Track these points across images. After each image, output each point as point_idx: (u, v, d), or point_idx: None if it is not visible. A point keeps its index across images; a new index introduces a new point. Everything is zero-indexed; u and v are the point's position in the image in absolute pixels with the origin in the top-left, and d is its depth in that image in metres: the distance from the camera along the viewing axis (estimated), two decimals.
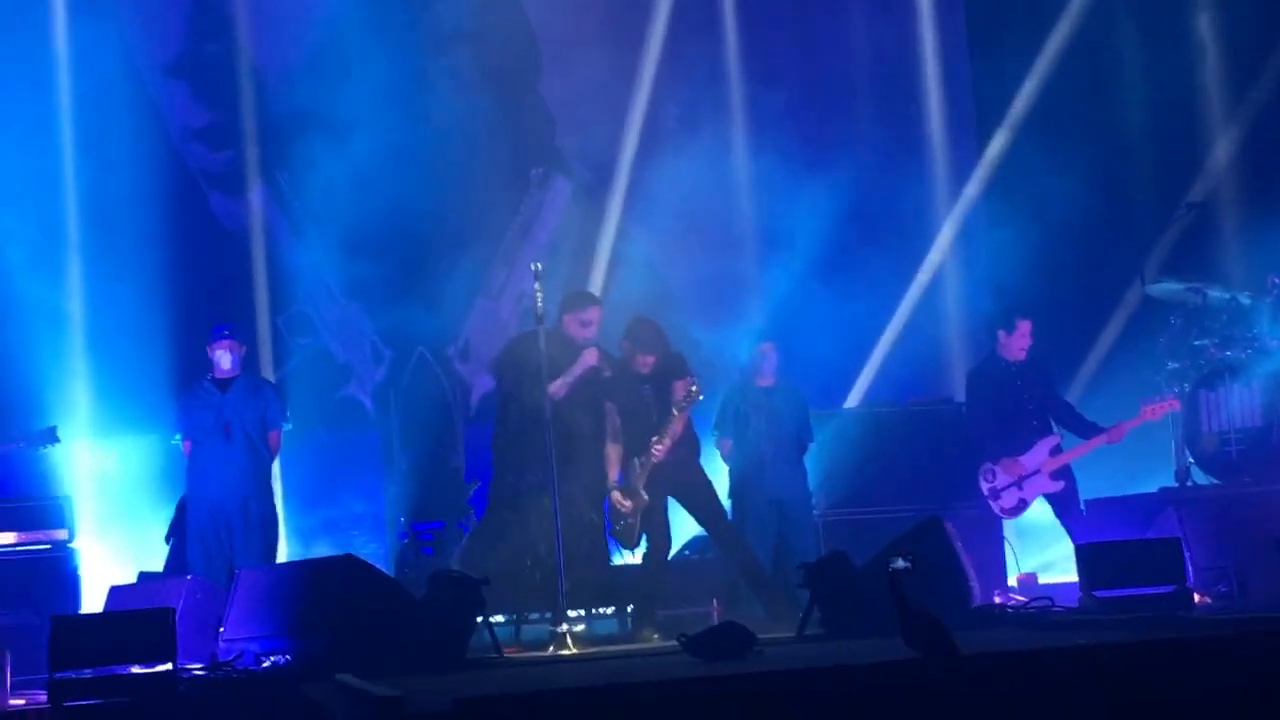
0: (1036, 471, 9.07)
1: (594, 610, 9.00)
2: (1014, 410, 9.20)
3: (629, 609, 8.94)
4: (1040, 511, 9.39)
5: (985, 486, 9.15)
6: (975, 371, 9.59)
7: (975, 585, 7.49)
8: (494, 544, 8.51)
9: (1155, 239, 10.67)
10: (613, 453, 8.60)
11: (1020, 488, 9.10)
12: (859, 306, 11.24)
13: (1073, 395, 10.47)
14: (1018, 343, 9.22)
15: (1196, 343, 9.41)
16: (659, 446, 8.46)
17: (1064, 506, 9.09)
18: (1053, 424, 9.27)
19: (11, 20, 10.48)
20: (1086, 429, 9.17)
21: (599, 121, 11.59)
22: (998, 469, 9.12)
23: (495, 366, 9.03)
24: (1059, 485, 9.07)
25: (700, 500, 8.77)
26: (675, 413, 8.49)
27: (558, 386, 8.24)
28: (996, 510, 9.15)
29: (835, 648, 6.66)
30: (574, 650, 7.58)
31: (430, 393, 11.23)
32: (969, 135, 12.11)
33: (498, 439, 8.67)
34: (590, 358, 8.35)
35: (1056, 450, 9.12)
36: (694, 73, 11.73)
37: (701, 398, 8.64)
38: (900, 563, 5.41)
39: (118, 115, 10.67)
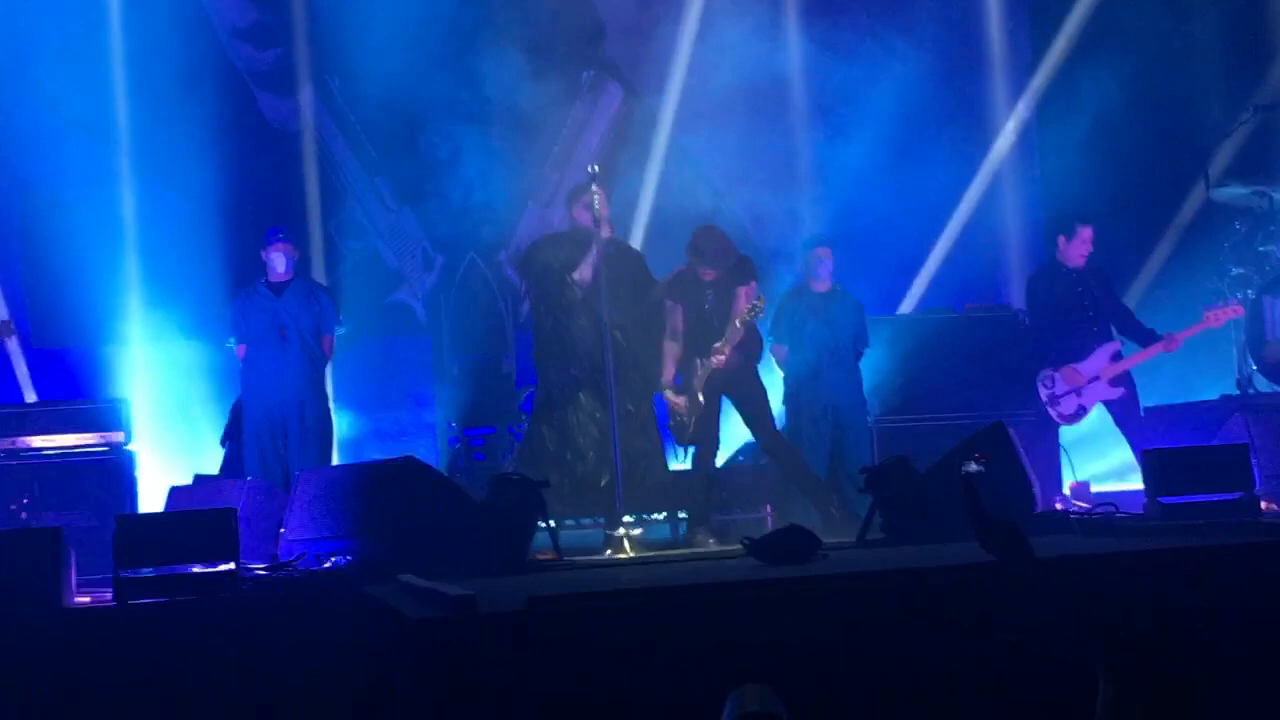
0: (1096, 378, 8.94)
1: (647, 515, 9.01)
2: (1074, 317, 9.07)
3: (681, 514, 8.93)
4: (1092, 420, 9.28)
5: (1044, 393, 9.03)
6: (1035, 277, 9.45)
7: (1038, 491, 7.42)
8: (537, 450, 8.52)
9: (1220, 142, 10.40)
10: (670, 350, 8.55)
11: (1079, 394, 8.97)
12: (914, 212, 11.08)
13: (1133, 301, 10.30)
14: (1077, 249, 9.07)
15: (1261, 248, 9.24)
16: (719, 356, 8.39)
17: (1124, 414, 8.97)
18: (1112, 330, 9.14)
19: None
20: (1145, 336, 9.02)
21: (649, 23, 11.38)
22: (1057, 375, 9.00)
23: (518, 274, 9.00)
24: (1119, 392, 8.94)
25: (753, 405, 8.69)
26: (737, 324, 8.40)
27: (582, 272, 8.22)
28: (1055, 416, 9.04)
29: (901, 552, 6.61)
30: (631, 554, 7.57)
31: (481, 298, 11.18)
32: (1025, 38, 11.83)
33: (535, 347, 8.68)
34: (604, 229, 8.19)
35: (1116, 357, 8.99)
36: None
37: (764, 313, 8.54)
38: (973, 466, 5.34)
39: (165, 15, 10.54)
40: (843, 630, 4.77)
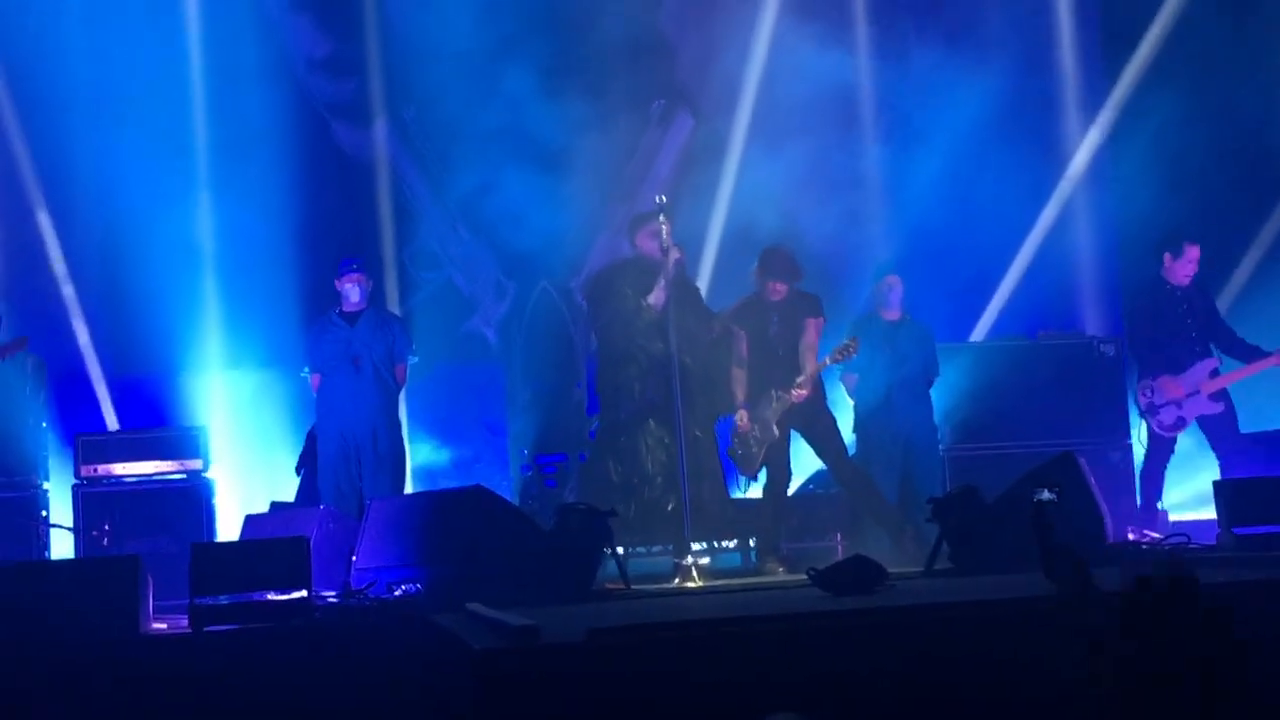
0: (1195, 392, 8.91)
1: (716, 544, 9.02)
2: (1176, 334, 9.05)
3: (751, 542, 8.94)
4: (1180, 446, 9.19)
5: (1143, 402, 9.01)
6: (1138, 295, 9.46)
7: (1109, 521, 7.35)
8: (600, 479, 8.57)
9: None
10: (738, 378, 8.59)
11: (1179, 406, 8.93)
12: (986, 236, 11.03)
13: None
14: (1183, 268, 9.11)
15: None
16: (800, 391, 8.41)
17: (1220, 431, 8.92)
18: (1213, 349, 9.07)
19: None
20: (1251, 352, 9.01)
21: (718, 46, 11.42)
22: (1156, 385, 8.96)
23: (588, 300, 9.04)
24: (1218, 408, 8.91)
25: (824, 436, 8.71)
26: (825, 360, 8.44)
27: (656, 295, 8.27)
28: (1154, 426, 8.98)
29: (967, 583, 6.57)
30: (699, 583, 7.59)
31: (552, 326, 11.25)
32: (1097, 59, 11.74)
33: (598, 374, 8.73)
34: (674, 254, 8.21)
35: (1215, 373, 8.95)
36: (816, 12, 11.46)
37: (857, 353, 8.55)
38: (1046, 494, 5.31)
39: (244, 47, 10.75)
40: (905, 661, 4.76)
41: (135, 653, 6.08)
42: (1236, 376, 8.93)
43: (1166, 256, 9.15)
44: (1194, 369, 8.93)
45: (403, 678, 5.87)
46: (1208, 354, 9.04)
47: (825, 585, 6.21)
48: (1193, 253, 9.07)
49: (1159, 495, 9.09)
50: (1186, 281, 9.10)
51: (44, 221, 10.46)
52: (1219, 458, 8.91)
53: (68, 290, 10.47)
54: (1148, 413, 8.97)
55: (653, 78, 11.51)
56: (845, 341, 8.53)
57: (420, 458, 10.44)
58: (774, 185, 10.83)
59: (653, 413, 8.40)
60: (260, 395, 10.46)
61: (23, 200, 10.47)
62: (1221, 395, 8.90)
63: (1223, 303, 10.88)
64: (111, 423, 10.25)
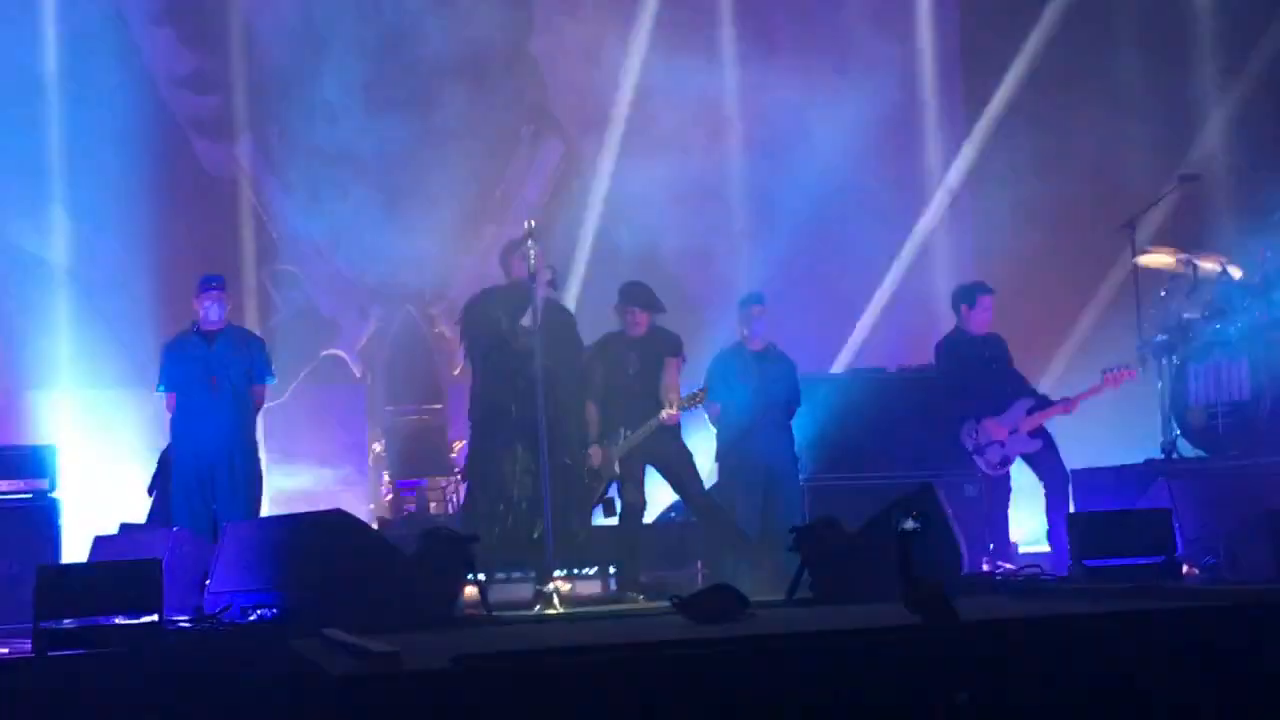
0: (1015, 429, 9.13)
1: (577, 570, 9.00)
2: (982, 379, 9.26)
3: (610, 570, 8.94)
4: (1026, 479, 9.41)
5: (969, 443, 9.19)
6: (942, 344, 9.65)
7: (965, 552, 7.48)
8: (470, 505, 8.52)
9: (1146, 210, 10.62)
10: (591, 411, 8.62)
11: (1003, 445, 9.15)
12: (847, 271, 11.20)
13: (1057, 365, 10.51)
14: (980, 316, 9.37)
15: (1186, 315, 9.40)
16: (644, 431, 8.49)
17: (1043, 465, 9.16)
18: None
19: None
20: (1043, 402, 9.27)
21: (590, 81, 11.49)
22: (980, 427, 9.17)
23: (460, 326, 8.97)
24: (1037, 444, 9.13)
25: (679, 471, 8.78)
26: (674, 409, 8.51)
27: (528, 318, 8.17)
28: (983, 465, 9.17)
29: (828, 612, 6.64)
30: (560, 609, 7.55)
31: (415, 350, 11.17)
32: (958, 98, 12.04)
33: (472, 399, 8.66)
34: (544, 278, 8.18)
35: (1032, 410, 9.17)
36: (687, 38, 11.60)
37: (703, 402, 8.64)
38: (910, 523, 5.38)
39: (103, 60, 10.55)
40: (768, 690, 4.78)
41: None
42: (1041, 418, 9.18)
43: (964, 308, 9.43)
44: (1012, 408, 9.17)
45: (259, 705, 5.73)
46: (1020, 394, 9.26)
47: (688, 613, 6.22)
48: (986, 301, 9.36)
49: (1005, 531, 9.28)
50: (984, 330, 9.37)
51: None
52: (1046, 492, 9.17)
53: None
54: (975, 453, 9.19)
55: (521, 101, 11.50)
56: (695, 390, 8.68)
57: (277, 481, 10.25)
58: (640, 203, 10.89)
59: (523, 438, 8.33)
60: (112, 414, 10.22)
61: None
62: (1039, 432, 9.15)
63: (1067, 345, 11.22)
64: None
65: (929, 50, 11.97)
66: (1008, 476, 9.28)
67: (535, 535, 8.21)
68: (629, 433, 8.58)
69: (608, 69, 11.39)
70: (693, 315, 9.58)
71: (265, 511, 9.19)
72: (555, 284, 8.74)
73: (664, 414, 8.50)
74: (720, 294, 10.76)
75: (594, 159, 11.36)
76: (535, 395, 7.89)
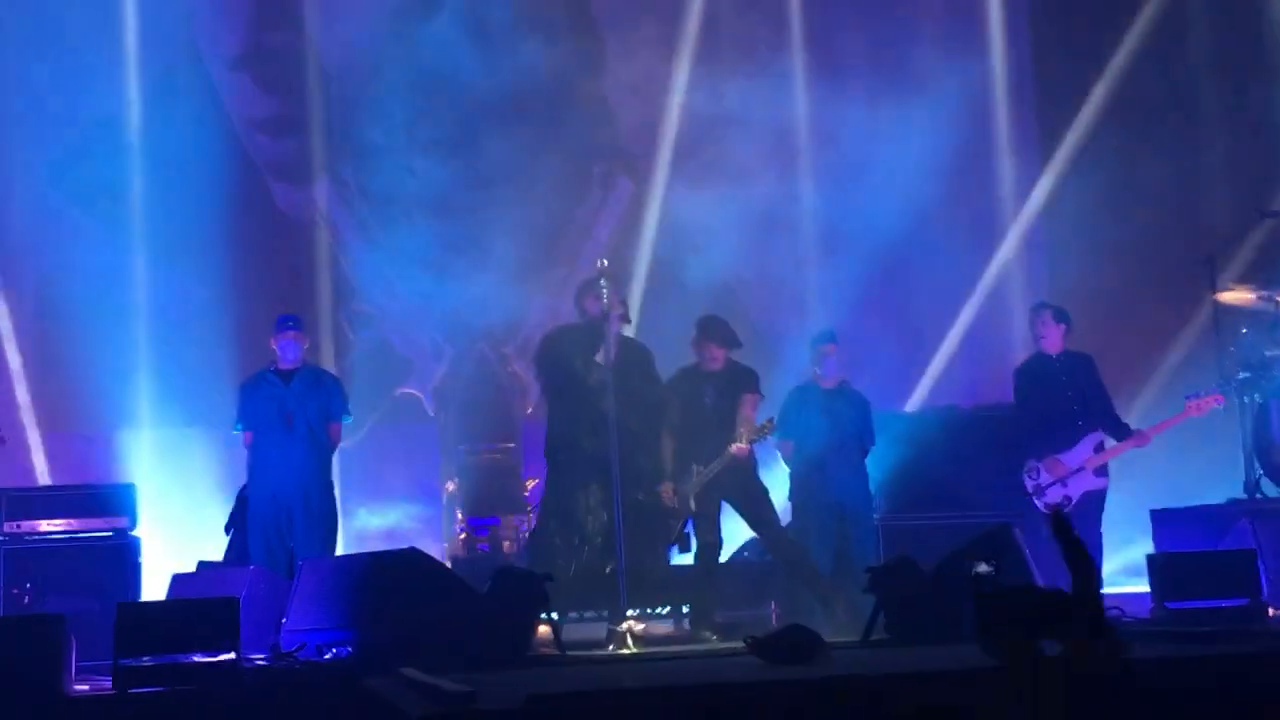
0: (1081, 468, 8.94)
1: (651, 610, 8.97)
2: (1058, 406, 9.07)
3: (685, 609, 8.91)
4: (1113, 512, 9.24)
5: (1029, 484, 9.00)
6: (1020, 369, 9.48)
7: None
8: (544, 543, 8.54)
9: (1228, 246, 10.49)
10: (668, 444, 8.61)
11: (1064, 485, 8.96)
12: (922, 307, 11.12)
13: (1141, 404, 10.34)
14: (1052, 336, 9.12)
15: (1268, 353, 9.24)
16: (716, 465, 8.46)
17: (1083, 520, 8.94)
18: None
19: (80, 12, 10.56)
20: (1120, 430, 9.05)
21: (658, 112, 11.51)
22: (1041, 466, 9.00)
23: (534, 364, 9.03)
24: (1102, 482, 8.93)
25: (754, 506, 8.74)
26: (743, 442, 8.47)
27: (602, 355, 8.18)
28: (1040, 507, 8.99)
29: (904, 653, 6.57)
30: (634, 649, 7.53)
31: (488, 388, 11.22)
32: (1030, 133, 11.95)
33: (548, 437, 8.69)
34: (616, 314, 8.23)
35: (1100, 447, 8.99)
36: (756, 68, 11.59)
37: (772, 433, 8.60)
38: (984, 567, 5.32)
39: (183, 105, 10.73)
40: None
41: (57, 715, 5.94)
42: (1112, 454, 8.98)
43: (1037, 325, 9.23)
44: (1080, 444, 8.97)
45: None
46: (1091, 427, 9.08)
47: (762, 653, 6.18)
48: (1047, 315, 9.15)
49: None
50: (1059, 349, 9.15)
51: None
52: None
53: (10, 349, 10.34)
54: (1033, 494, 9.00)
55: (594, 142, 11.56)
56: (762, 423, 8.58)
57: (352, 519, 10.31)
58: (708, 234, 10.89)
59: (597, 474, 8.35)
60: (191, 453, 10.34)
61: None
62: (1104, 470, 8.98)
63: (1150, 383, 11.02)
64: (44, 480, 10.09)
65: (1000, 79, 11.88)
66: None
67: (607, 571, 8.21)
68: (701, 468, 8.55)
69: (675, 100, 11.38)
70: (763, 346, 9.54)
71: (341, 550, 9.25)
72: (628, 318, 8.77)
73: (733, 447, 8.47)
74: (791, 326, 10.72)
75: (662, 190, 11.35)
76: (608, 432, 7.91)
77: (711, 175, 11.19)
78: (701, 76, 11.38)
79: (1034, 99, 12.02)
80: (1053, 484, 8.94)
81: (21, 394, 10.31)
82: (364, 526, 10.61)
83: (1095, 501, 8.91)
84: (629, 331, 8.83)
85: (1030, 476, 9.01)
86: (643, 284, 11.06)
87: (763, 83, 11.38)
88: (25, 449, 10.22)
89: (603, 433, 8.17)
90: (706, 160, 11.28)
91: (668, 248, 11.20)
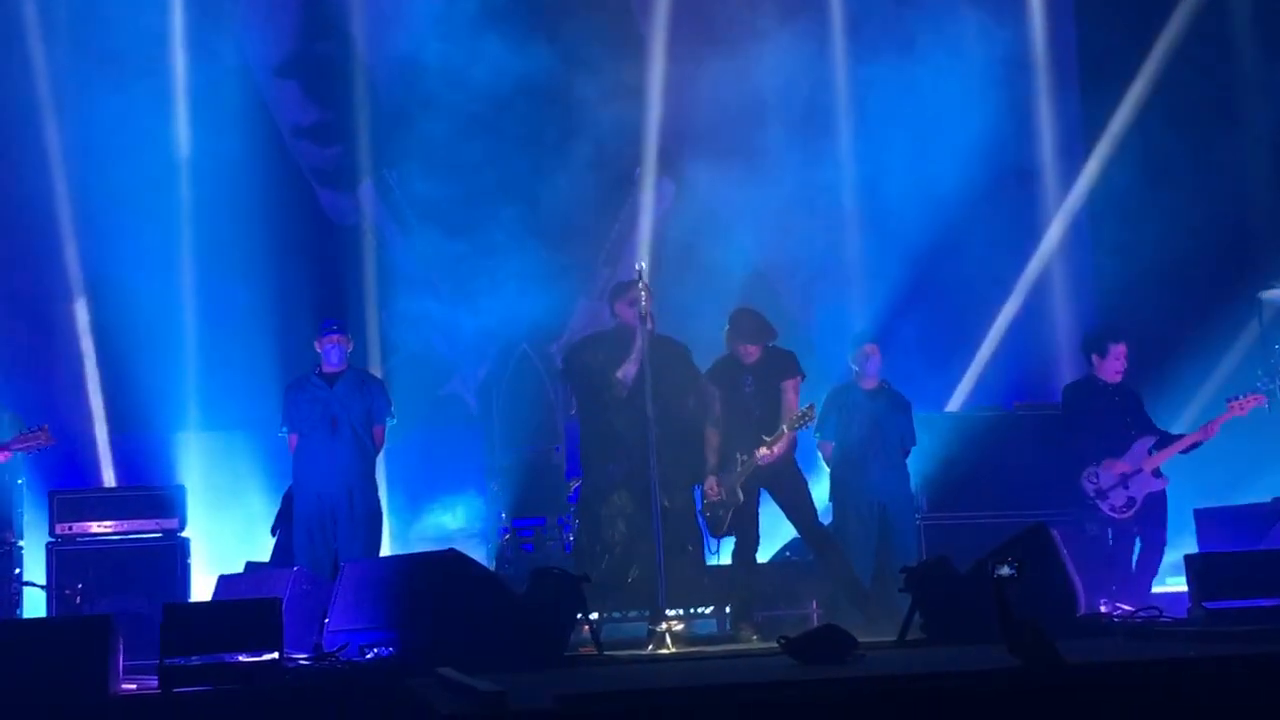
0: (1139, 470, 8.93)
1: (692, 610, 9.03)
2: (1112, 423, 9.08)
3: (727, 609, 8.96)
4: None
5: (1090, 488, 8.98)
6: (1071, 388, 9.46)
7: (1081, 593, 7.37)
8: (578, 546, 8.65)
9: (1275, 246, 10.42)
10: (712, 438, 8.64)
11: (1126, 487, 8.95)
12: (963, 308, 11.10)
13: (1185, 404, 10.31)
14: (1112, 365, 9.15)
15: None
16: (764, 453, 8.46)
17: (1146, 523, 8.93)
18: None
19: (128, 23, 10.72)
20: (1169, 436, 9.07)
21: (696, 101, 11.53)
22: (1099, 470, 8.98)
23: (562, 376, 9.13)
24: (1162, 483, 8.92)
25: (794, 498, 8.75)
26: (785, 428, 8.49)
27: (625, 370, 8.31)
28: (1107, 510, 8.96)
29: (937, 653, 6.59)
30: (673, 649, 7.59)
31: (532, 390, 11.30)
32: (1073, 126, 11.87)
33: (580, 441, 8.79)
34: (650, 322, 8.24)
35: (1155, 448, 8.98)
36: (796, 57, 11.56)
37: (814, 419, 8.61)
38: (1005, 570, 5.34)
39: (229, 113, 10.87)
40: None
41: (104, 714, 6.06)
42: (1173, 450, 8.98)
43: (1094, 357, 9.24)
44: (1134, 448, 8.97)
45: None
46: (1141, 435, 9.06)
47: (796, 653, 6.21)
48: (1119, 350, 9.15)
49: (1128, 571, 9.05)
50: (1118, 378, 9.17)
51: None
52: (1141, 549, 8.97)
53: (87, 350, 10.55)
54: (1097, 498, 8.98)
55: (635, 145, 11.60)
56: (803, 409, 8.57)
57: (397, 521, 10.43)
58: (746, 225, 10.91)
59: (618, 485, 8.47)
60: (239, 455, 10.48)
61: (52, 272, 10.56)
62: (1160, 471, 8.96)
63: (1199, 375, 10.96)
64: (110, 482, 10.29)
65: (1044, 72, 11.81)
66: (1129, 524, 9.06)
67: (630, 579, 8.31)
68: (745, 457, 8.57)
69: (713, 89, 11.38)
70: (801, 338, 9.55)
71: (385, 551, 9.36)
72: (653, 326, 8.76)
73: (760, 452, 8.47)
74: (830, 320, 10.73)
75: (702, 180, 11.37)
76: (632, 441, 7.97)
77: (741, 161, 11.19)
78: (736, 62, 11.34)
79: (1078, 93, 11.94)
80: (1114, 486, 8.93)
81: (94, 397, 10.50)
82: (407, 527, 10.71)
83: (1159, 502, 8.93)
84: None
85: (1090, 481, 8.99)
86: (692, 273, 11.08)
87: (803, 71, 11.32)
88: (95, 449, 10.40)
89: (623, 446, 8.27)
90: (736, 146, 11.27)
91: (710, 237, 11.20)
